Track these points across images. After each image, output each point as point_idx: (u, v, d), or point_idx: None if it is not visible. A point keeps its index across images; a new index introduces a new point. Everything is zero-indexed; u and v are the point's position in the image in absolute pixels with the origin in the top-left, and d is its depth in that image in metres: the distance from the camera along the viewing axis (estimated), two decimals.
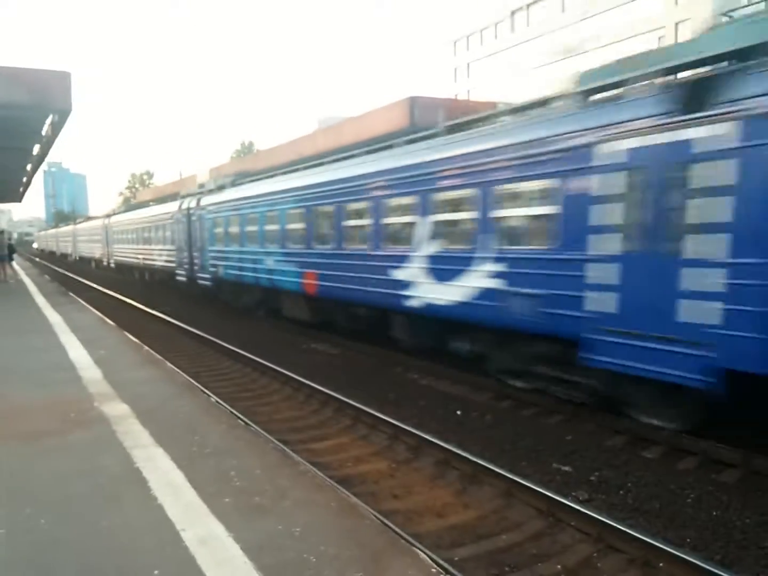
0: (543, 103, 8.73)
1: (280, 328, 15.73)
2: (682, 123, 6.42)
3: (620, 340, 7.00)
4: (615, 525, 5.09)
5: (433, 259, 9.92)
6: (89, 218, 57.22)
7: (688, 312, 6.37)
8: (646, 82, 7.11)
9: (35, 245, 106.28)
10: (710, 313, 6.16)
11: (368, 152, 12.47)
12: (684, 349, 6.38)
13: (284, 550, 3.91)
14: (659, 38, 52.93)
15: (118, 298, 23.36)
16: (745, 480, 6.19)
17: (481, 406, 8.88)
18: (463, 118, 10.36)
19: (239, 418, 7.38)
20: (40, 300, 18.72)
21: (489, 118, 9.83)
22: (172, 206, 23.89)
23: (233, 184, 19.31)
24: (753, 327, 5.87)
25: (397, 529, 4.93)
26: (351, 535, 4.17)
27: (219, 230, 18.73)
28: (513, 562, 4.92)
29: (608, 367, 7.16)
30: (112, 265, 37.15)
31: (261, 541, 3.98)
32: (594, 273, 7.31)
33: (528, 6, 66.43)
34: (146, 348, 11.57)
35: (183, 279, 22.31)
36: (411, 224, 10.36)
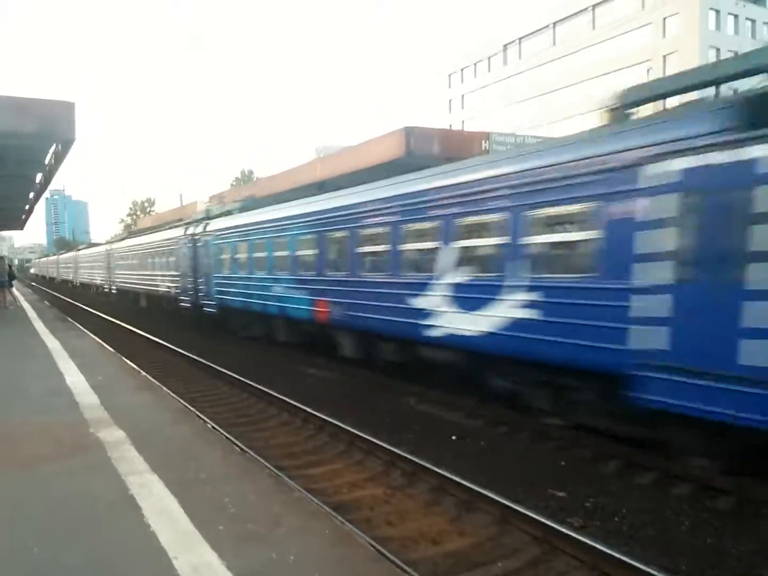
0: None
1: (276, 352, 15.74)
2: (746, 140, 5.76)
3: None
4: (610, 552, 5.07)
5: (460, 287, 9.30)
6: (92, 245, 57.61)
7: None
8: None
9: (32, 271, 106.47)
10: None
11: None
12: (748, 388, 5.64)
13: None
14: (648, 70, 54.04)
15: (117, 324, 23.39)
16: (740, 507, 6.17)
17: (476, 431, 8.88)
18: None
19: (235, 444, 7.38)
20: (39, 326, 18.76)
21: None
22: (176, 232, 23.44)
23: (241, 210, 19.17)
24: None
25: (391, 557, 4.92)
26: (345, 564, 4.17)
27: (225, 257, 18.25)
28: None
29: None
30: (114, 291, 37.04)
31: (254, 570, 3.98)
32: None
33: (520, 40, 68.13)
34: (143, 373, 11.62)
35: (187, 306, 21.63)
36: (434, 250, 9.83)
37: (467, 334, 9.10)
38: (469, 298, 9.14)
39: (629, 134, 6.95)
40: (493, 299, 8.66)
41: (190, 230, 21.45)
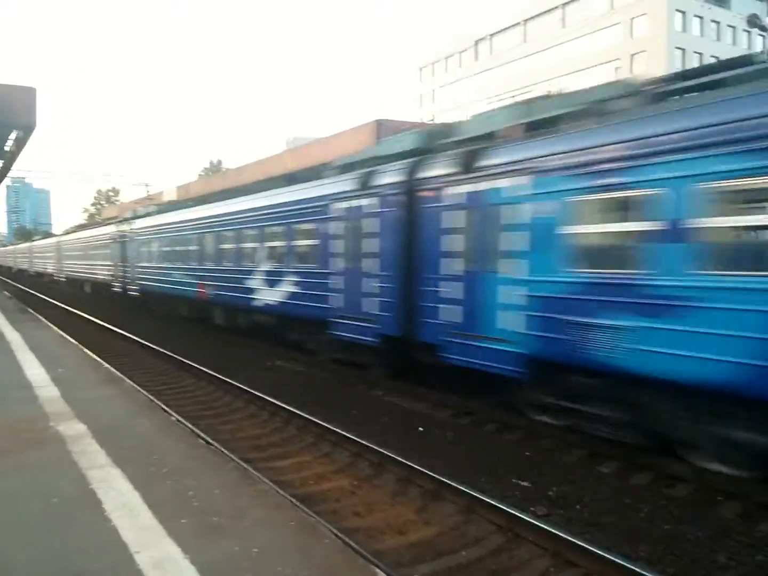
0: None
1: (245, 345, 15.61)
2: (358, 195, 11.04)
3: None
4: (572, 539, 5.17)
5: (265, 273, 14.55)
6: (47, 236, 61.12)
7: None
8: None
9: None
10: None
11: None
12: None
13: (241, 571, 3.88)
14: (616, 69, 54.96)
15: (79, 315, 22.87)
16: (697, 494, 6.34)
17: (442, 422, 8.95)
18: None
19: (200, 436, 7.29)
20: None
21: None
22: (111, 228, 28.45)
23: (158, 212, 23.87)
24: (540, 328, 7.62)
25: (356, 548, 4.92)
26: (310, 555, 4.16)
27: (144, 250, 23.28)
28: None
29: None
30: (64, 279, 40.96)
31: (217, 563, 3.95)
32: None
33: (491, 36, 68.53)
34: (106, 366, 11.39)
35: (119, 290, 26.88)
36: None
37: (272, 303, 13.94)
38: (269, 280, 14.09)
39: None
40: (281, 281, 13.62)
41: (121, 227, 26.95)
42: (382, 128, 17.95)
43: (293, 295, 13.12)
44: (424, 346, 9.70)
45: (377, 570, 4.33)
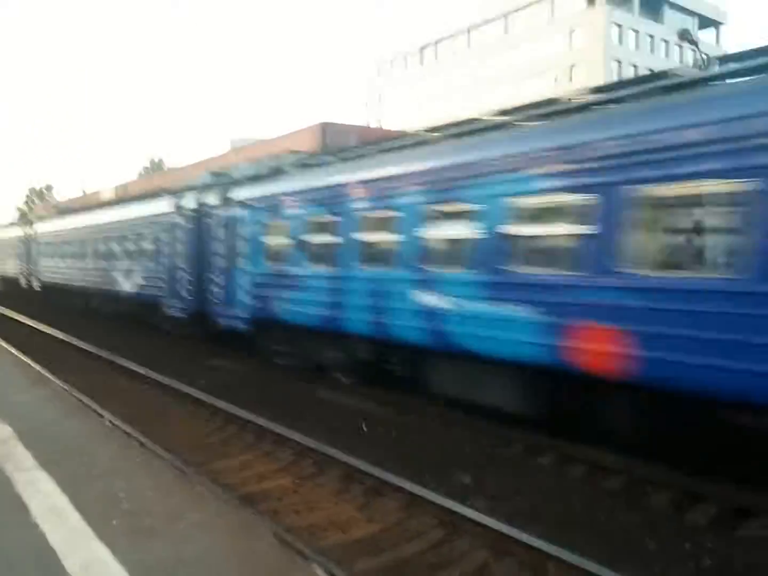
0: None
1: (181, 344, 15.21)
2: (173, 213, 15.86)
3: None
4: (508, 532, 5.26)
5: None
6: None
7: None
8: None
9: None
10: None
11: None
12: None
13: (175, 573, 3.77)
14: (555, 79, 56.69)
15: (6, 315, 21.80)
16: (629, 486, 6.56)
17: (386, 420, 8.95)
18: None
19: (134, 438, 7.05)
20: None
21: None
22: (158, 206, 17.08)
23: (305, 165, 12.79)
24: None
25: (296, 545, 4.86)
26: (248, 556, 4.10)
27: (48, 249, 21.37)
28: (413, 572, 4.97)
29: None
30: (37, 287, 28.92)
31: (150, 565, 3.84)
32: None
33: (437, 42, 69.81)
34: (36, 367, 10.89)
35: (179, 315, 15.48)
36: None
37: (128, 290, 18.58)
38: (126, 272, 18.76)
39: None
40: (133, 273, 18.36)
41: (188, 201, 16.73)
42: (327, 130, 17.91)
43: (140, 285, 17.65)
44: (210, 317, 13.87)
45: (316, 567, 4.29)
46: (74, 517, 4.42)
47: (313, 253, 10.70)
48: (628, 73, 57.32)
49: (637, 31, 57.95)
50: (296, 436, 7.75)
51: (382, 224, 9.35)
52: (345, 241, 9.89)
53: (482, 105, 61.62)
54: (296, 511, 6.02)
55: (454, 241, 8.44)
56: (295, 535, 5.24)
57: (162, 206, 16.17)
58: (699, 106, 6.29)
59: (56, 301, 26.10)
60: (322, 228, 10.57)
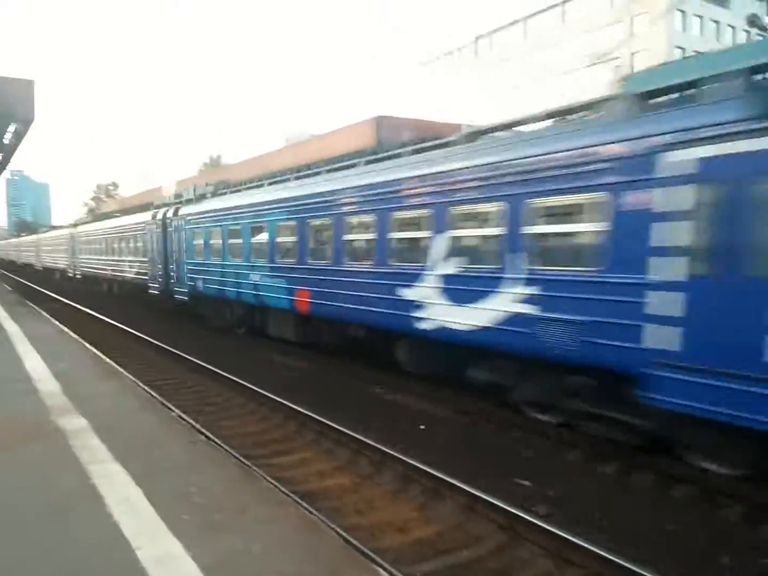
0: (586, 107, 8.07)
1: (247, 341, 15.58)
2: (152, 223, 20.10)
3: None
4: (573, 540, 5.16)
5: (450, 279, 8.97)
6: (53, 228, 56.64)
7: None
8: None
9: None
10: None
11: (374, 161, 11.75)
12: None
13: (243, 568, 3.88)
14: (616, 67, 54.77)
15: (81, 310, 22.86)
16: (699, 496, 6.33)
17: (444, 420, 8.93)
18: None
19: (201, 432, 7.28)
20: None
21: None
22: (145, 216, 23.72)
23: (214, 194, 18.97)
24: None
25: (359, 546, 4.92)
26: (311, 553, 4.15)
27: (199, 242, 18.20)
28: None
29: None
30: (78, 276, 36.83)
31: (219, 560, 3.93)
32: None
33: (492, 33, 68.53)
34: (108, 360, 11.37)
35: (156, 293, 22.09)
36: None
37: (128, 275, 25.88)
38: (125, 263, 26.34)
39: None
40: (132, 263, 25.55)
41: (161, 214, 22.60)
42: (382, 124, 17.84)
43: (135, 273, 24.63)
44: (171, 293, 20.34)
45: (378, 568, 4.32)
46: (147, 509, 4.59)
47: (210, 250, 17.29)
48: None
49: (701, 17, 55.56)
50: (355, 435, 7.81)
51: (235, 234, 15.70)
52: (225, 243, 16.26)
53: (539, 96, 60.76)
54: (357, 510, 6.09)
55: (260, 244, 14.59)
56: (356, 534, 5.32)
57: (147, 217, 23.24)
58: (554, 139, 7.67)
59: (90, 286, 33.71)
60: (216, 235, 16.92)
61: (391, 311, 9.92)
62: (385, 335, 10.58)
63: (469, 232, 8.90)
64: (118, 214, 34.93)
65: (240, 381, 10.73)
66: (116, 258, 27.61)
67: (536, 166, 7.60)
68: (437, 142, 10.33)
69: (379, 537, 5.56)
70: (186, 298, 19.14)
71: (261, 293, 14.24)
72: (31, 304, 21.73)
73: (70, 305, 24.57)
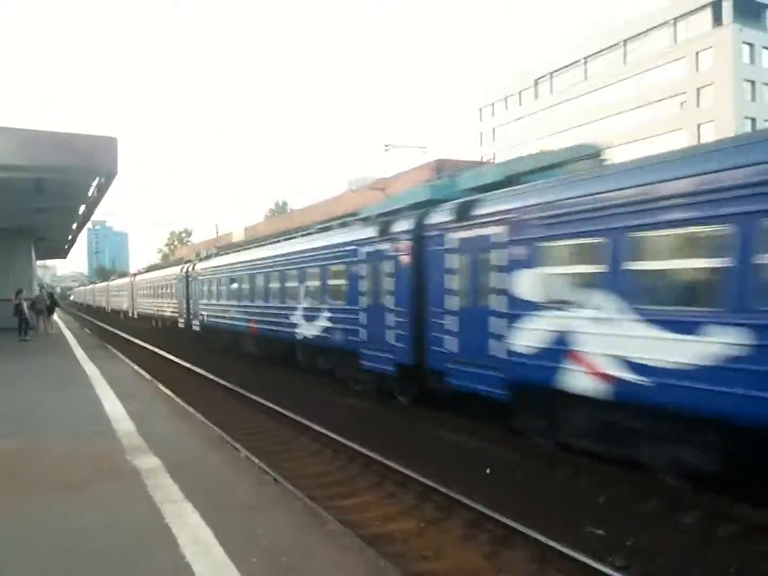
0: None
1: (311, 382, 15.76)
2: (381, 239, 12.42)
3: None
4: None
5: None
6: (122, 275, 64.74)
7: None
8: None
9: (72, 298, 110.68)
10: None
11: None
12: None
13: None
14: (681, 103, 53.70)
15: (152, 351, 23.79)
16: None
17: (511, 464, 8.68)
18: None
19: (267, 473, 7.36)
20: (79, 353, 19.19)
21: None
22: (176, 269, 32.51)
23: (216, 255, 27.48)
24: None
25: None
26: None
27: (205, 288, 25.69)
28: None
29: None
30: (136, 315, 44.74)
31: None
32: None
33: (551, 74, 68.74)
34: (179, 401, 11.73)
35: (182, 325, 29.60)
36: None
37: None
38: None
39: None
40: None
41: (184, 269, 30.28)
42: (443, 168, 18.11)
43: (171, 310, 32.35)
44: (191, 326, 27.18)
45: None
46: (218, 550, 4.66)
47: (210, 294, 25.23)
48: (764, 93, 53.30)
49: None
50: (419, 478, 7.71)
51: (220, 282, 23.71)
52: (216, 289, 23.63)
53: (601, 136, 59.90)
54: (423, 557, 5.97)
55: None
56: None
57: (177, 270, 30.31)
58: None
59: (144, 323, 40.71)
60: (212, 283, 24.78)
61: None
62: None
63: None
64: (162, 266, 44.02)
65: (304, 421, 10.83)
66: (159, 300, 36.26)
67: None
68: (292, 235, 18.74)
69: None
70: (198, 328, 26.45)
71: (235, 323, 21.47)
72: (108, 347, 22.78)
73: (143, 346, 25.60)
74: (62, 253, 46.23)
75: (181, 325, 29.81)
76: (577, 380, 7.78)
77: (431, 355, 10.79)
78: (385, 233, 12.17)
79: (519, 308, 8.71)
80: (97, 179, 16.87)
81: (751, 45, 53.15)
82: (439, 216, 10.68)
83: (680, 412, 6.71)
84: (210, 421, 10.27)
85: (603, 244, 7.45)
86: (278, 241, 19.70)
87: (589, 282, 7.71)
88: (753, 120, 51.76)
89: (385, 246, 12.12)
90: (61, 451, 7.45)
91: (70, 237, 34.11)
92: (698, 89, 53.32)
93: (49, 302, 27.14)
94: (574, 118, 63.95)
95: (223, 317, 22.58)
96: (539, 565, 5.74)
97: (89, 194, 18.89)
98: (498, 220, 9.17)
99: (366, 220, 13.46)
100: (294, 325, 16.11)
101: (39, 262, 51.40)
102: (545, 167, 9.55)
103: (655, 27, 56.79)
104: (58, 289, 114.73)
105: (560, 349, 8.00)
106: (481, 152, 76.60)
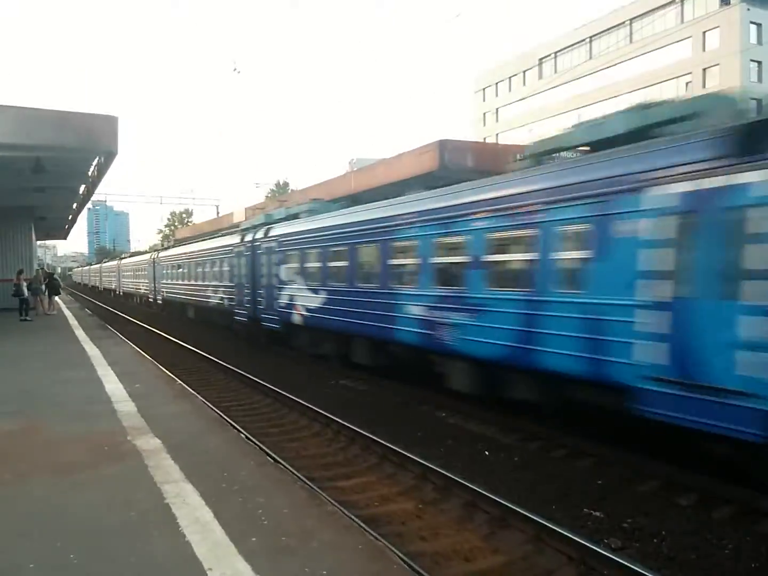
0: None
1: (311, 363, 15.82)
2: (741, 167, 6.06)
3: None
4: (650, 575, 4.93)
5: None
6: (134, 253, 58.41)
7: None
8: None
9: (73, 278, 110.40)
10: None
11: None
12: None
13: None
14: (687, 84, 52.98)
15: (154, 332, 23.85)
16: None
17: (509, 446, 8.75)
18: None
19: (268, 454, 7.41)
20: (80, 333, 19.24)
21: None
22: (231, 239, 22.24)
23: (310, 213, 17.10)
24: None
25: (424, 574, 4.87)
26: None
27: (165, 271, 29.90)
28: None
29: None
30: (159, 302, 35.30)
31: None
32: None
33: (555, 54, 67.77)
34: (179, 382, 11.78)
35: (243, 320, 20.30)
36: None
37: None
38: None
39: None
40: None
41: (249, 236, 20.35)
42: (445, 148, 17.95)
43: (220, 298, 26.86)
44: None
45: None
46: (218, 530, 4.70)
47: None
48: None
49: None
50: (418, 460, 7.77)
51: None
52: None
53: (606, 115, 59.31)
54: (421, 537, 6.03)
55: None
56: (421, 561, 5.26)
57: (234, 239, 24.44)
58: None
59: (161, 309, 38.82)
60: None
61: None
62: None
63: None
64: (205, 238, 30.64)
65: (305, 403, 10.89)
66: (136, 280, 40.69)
67: None
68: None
69: (444, 565, 5.49)
70: (276, 326, 17.60)
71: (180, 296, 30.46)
72: (109, 328, 22.84)
73: (144, 327, 25.67)
74: (63, 233, 46.20)
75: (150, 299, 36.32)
76: (300, 318, 15.68)
77: (258, 312, 18.83)
78: (242, 240, 20.57)
79: (280, 284, 16.89)
80: (97, 158, 16.77)
81: (758, 24, 52.40)
82: (258, 234, 19.06)
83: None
84: (210, 402, 10.33)
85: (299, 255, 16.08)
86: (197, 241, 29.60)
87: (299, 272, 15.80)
88: (759, 101, 51.24)
89: (241, 248, 20.56)
90: (62, 431, 7.49)
91: (70, 217, 34.02)
92: (704, 69, 52.71)
93: (47, 282, 27.16)
94: (580, 98, 63.31)
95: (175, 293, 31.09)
96: (535, 545, 5.80)
97: (89, 173, 18.80)
98: (273, 238, 17.46)
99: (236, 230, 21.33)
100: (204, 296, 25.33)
101: (39, 243, 51.38)
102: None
103: (662, 6, 56.02)
104: (59, 269, 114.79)
105: (292, 304, 16.08)
106: (485, 132, 76.00)
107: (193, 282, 27.62)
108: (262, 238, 18.77)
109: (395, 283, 11.72)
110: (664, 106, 8.20)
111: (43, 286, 26.31)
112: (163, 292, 34.17)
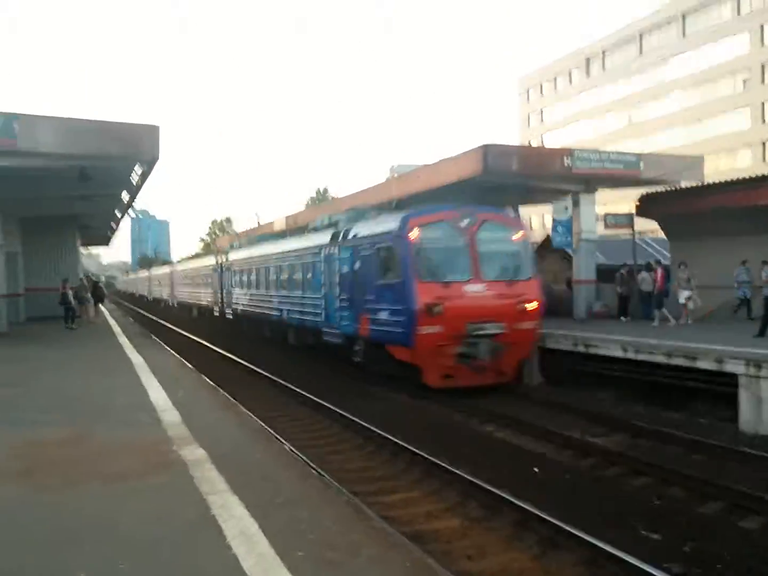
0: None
1: (357, 376, 15.73)
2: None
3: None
4: None
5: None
6: (164, 264, 69.41)
7: None
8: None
9: (118, 287, 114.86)
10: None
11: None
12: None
13: None
14: (744, 81, 51.10)
15: (196, 341, 24.18)
16: None
17: (560, 464, 8.48)
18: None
19: (311, 466, 7.33)
20: (123, 341, 19.60)
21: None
22: (212, 260, 34.55)
23: (248, 245, 29.20)
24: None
25: None
26: None
27: (236, 278, 28.29)
28: None
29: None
30: (175, 304, 47.24)
31: None
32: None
33: (603, 52, 65.71)
34: (222, 392, 11.83)
35: (216, 313, 31.92)
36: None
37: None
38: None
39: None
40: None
41: (219, 259, 32.12)
42: (489, 153, 17.56)
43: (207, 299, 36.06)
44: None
45: None
46: (264, 543, 4.62)
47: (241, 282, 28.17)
48: None
49: None
50: (464, 475, 7.57)
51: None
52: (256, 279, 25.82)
53: (656, 115, 57.19)
54: (468, 556, 5.85)
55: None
56: None
57: (212, 261, 34.08)
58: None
59: (183, 312, 43.88)
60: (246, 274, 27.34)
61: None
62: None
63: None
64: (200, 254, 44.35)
65: (349, 416, 10.79)
66: (195, 290, 39.43)
67: None
68: None
69: None
70: (231, 316, 29.18)
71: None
72: (152, 336, 23.24)
73: (186, 336, 26.07)
74: (105, 240, 47.75)
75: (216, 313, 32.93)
76: (251, 311, 25.27)
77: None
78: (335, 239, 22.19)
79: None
80: (139, 166, 17.18)
81: None
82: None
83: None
84: (254, 413, 10.32)
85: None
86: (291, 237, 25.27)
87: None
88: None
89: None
90: (109, 440, 7.54)
91: (113, 223, 35.00)
92: (762, 65, 50.67)
93: (93, 290, 27.82)
94: (629, 97, 61.39)
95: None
96: (589, 568, 5.55)
97: (132, 180, 19.26)
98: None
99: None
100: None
101: (84, 251, 53.19)
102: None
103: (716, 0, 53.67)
104: (103, 278, 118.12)
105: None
106: (528, 134, 74.22)
107: (290, 292, 20.28)
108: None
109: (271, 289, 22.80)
110: (323, 219, 20.39)
111: (89, 294, 26.96)
112: (238, 304, 27.22)
